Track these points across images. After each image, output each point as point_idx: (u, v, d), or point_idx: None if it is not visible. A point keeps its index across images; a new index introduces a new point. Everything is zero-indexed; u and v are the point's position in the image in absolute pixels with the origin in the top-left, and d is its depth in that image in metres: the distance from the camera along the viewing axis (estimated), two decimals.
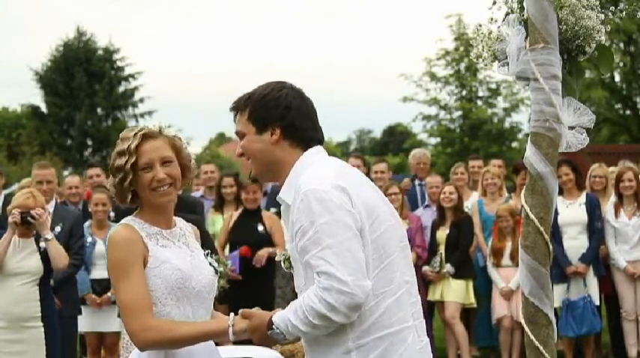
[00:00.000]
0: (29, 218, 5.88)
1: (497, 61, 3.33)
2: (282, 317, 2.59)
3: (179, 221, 3.10)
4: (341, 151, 39.58)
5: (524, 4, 3.25)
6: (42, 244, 6.06)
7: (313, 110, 2.85)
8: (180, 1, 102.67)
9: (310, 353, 2.69)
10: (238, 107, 2.84)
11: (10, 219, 5.87)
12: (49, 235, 5.96)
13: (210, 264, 3.02)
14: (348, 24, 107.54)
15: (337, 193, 2.56)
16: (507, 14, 3.36)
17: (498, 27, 3.33)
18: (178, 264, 2.87)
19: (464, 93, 26.55)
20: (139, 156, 2.87)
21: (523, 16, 3.28)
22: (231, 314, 2.78)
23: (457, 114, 26.46)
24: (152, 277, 2.83)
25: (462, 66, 26.26)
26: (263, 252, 7.31)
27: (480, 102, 26.64)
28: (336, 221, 2.52)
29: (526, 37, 3.20)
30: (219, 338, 2.87)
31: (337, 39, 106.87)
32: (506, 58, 3.24)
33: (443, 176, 10.18)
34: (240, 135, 2.83)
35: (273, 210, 8.22)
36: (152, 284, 2.83)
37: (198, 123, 79.13)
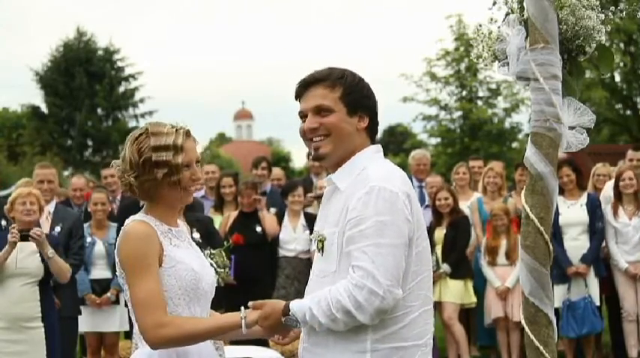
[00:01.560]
0: (29, 237, 5.88)
1: (497, 61, 3.33)
2: (301, 305, 2.58)
3: (179, 220, 3.09)
4: None
5: (525, 4, 3.25)
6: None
7: None
8: (180, 1, 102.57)
9: (318, 346, 2.65)
10: (325, 81, 2.75)
11: (9, 238, 5.86)
12: (50, 252, 5.95)
13: (210, 264, 3.02)
14: (348, 24, 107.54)
15: (404, 198, 2.59)
16: (507, 14, 3.35)
17: (498, 27, 3.33)
18: (192, 265, 2.85)
19: (464, 93, 26.55)
20: (184, 153, 2.84)
21: (523, 16, 3.27)
22: (242, 307, 2.76)
23: (457, 114, 26.47)
24: (166, 277, 2.79)
25: (463, 66, 26.27)
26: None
27: (480, 103, 26.65)
28: (394, 224, 2.54)
29: (526, 37, 3.20)
30: (231, 331, 2.83)
31: (337, 39, 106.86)
32: (507, 58, 3.24)
33: (443, 176, 10.17)
34: (324, 109, 2.73)
35: (273, 210, 8.23)
36: (166, 284, 2.78)
37: (198, 123, 79.00)
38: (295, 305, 2.59)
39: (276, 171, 10.16)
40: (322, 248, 2.70)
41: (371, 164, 2.69)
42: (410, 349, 2.62)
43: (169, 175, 2.81)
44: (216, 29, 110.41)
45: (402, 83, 30.22)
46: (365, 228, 2.54)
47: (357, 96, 2.75)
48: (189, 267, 2.83)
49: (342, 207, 2.64)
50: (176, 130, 2.86)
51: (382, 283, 2.49)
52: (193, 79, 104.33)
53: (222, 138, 59.43)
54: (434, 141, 27.77)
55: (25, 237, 5.87)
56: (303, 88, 2.79)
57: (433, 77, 26.39)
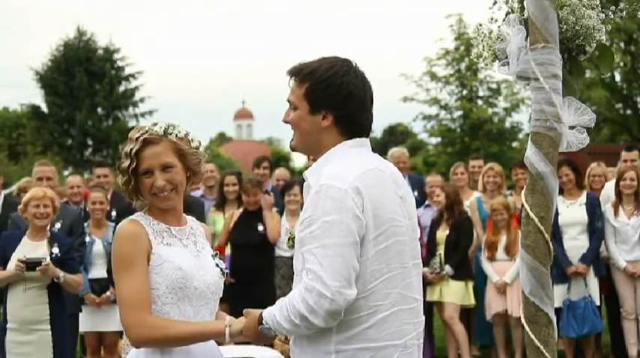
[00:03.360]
0: (36, 268, 5.87)
1: (497, 61, 3.32)
2: (270, 313, 2.59)
3: (191, 220, 3.10)
4: None
5: (525, 3, 3.24)
6: (54, 250, 6.06)
7: (371, 99, 2.78)
8: (180, 1, 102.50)
9: (296, 347, 2.67)
10: (296, 76, 2.74)
11: (15, 269, 5.87)
12: (61, 276, 5.97)
13: (217, 265, 3.01)
14: (348, 23, 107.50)
15: (352, 195, 2.52)
16: (508, 14, 3.35)
17: (499, 26, 3.33)
18: (180, 264, 2.86)
19: (464, 92, 26.55)
20: (139, 162, 2.87)
21: (523, 15, 3.27)
22: (228, 316, 2.78)
23: (458, 114, 26.47)
24: (153, 275, 2.82)
25: (463, 66, 26.27)
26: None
27: (480, 102, 26.65)
28: (341, 223, 2.49)
29: (526, 37, 3.19)
30: (215, 339, 2.86)
31: (337, 38, 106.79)
32: (507, 57, 3.24)
33: (443, 176, 10.17)
34: (292, 106, 2.75)
35: (274, 209, 8.22)
36: (153, 282, 2.82)
37: (198, 123, 79.19)
38: (266, 314, 2.60)
39: (282, 171, 10.16)
40: (292, 245, 2.73)
41: (336, 160, 2.64)
42: (383, 350, 2.57)
43: (127, 183, 2.90)
44: (217, 29, 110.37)
45: (402, 83, 30.25)
46: (313, 229, 2.51)
47: (322, 94, 2.67)
48: (176, 266, 2.84)
49: (304, 207, 2.63)
50: (137, 137, 2.88)
51: (330, 285, 2.44)
52: (194, 78, 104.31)
53: (222, 138, 59.43)
54: (434, 140, 27.78)
55: (31, 268, 5.86)
56: (287, 77, 2.79)
57: (433, 77, 26.39)
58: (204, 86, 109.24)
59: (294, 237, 2.71)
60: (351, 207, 2.50)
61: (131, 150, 2.87)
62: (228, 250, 7.68)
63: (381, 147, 46.59)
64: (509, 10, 3.36)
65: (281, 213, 8.13)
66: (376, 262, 2.56)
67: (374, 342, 2.56)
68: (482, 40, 3.33)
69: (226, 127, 66.41)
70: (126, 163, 2.88)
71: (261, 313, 2.62)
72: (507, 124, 26.48)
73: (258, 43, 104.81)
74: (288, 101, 2.77)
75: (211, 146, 49.14)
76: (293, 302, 2.49)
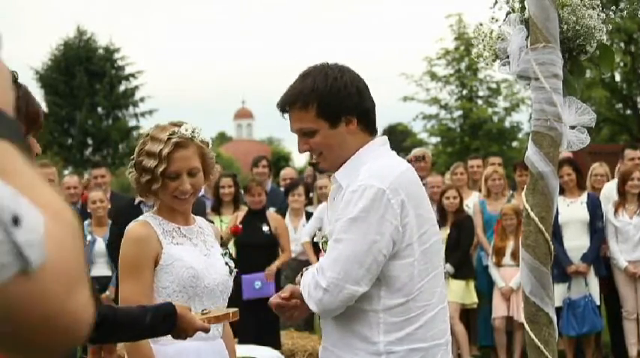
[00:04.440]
0: None
1: (498, 60, 3.33)
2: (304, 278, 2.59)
3: (200, 220, 3.11)
4: None
5: (526, 3, 3.25)
6: None
7: (368, 86, 2.72)
8: (180, 1, 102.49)
9: (335, 343, 2.63)
10: (296, 103, 2.62)
11: None
12: None
13: (226, 263, 3.02)
14: (348, 23, 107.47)
15: (390, 195, 2.47)
16: (508, 14, 3.36)
17: (499, 26, 3.33)
18: (191, 262, 2.87)
19: (464, 92, 26.54)
20: (169, 164, 2.85)
21: (524, 15, 3.28)
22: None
23: (457, 113, 26.47)
24: (164, 274, 2.83)
25: (463, 65, 26.25)
26: (273, 267, 7.21)
27: (480, 102, 26.64)
28: (365, 220, 2.46)
29: (527, 37, 3.20)
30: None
31: (338, 38, 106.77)
32: (508, 57, 3.24)
33: (443, 175, 10.16)
34: (309, 132, 2.62)
35: (272, 209, 8.22)
36: (164, 281, 2.83)
37: (198, 122, 79.00)
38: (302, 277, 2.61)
39: (288, 171, 10.17)
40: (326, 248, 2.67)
41: (371, 160, 2.59)
42: (430, 350, 2.57)
43: (151, 182, 2.87)
44: (217, 28, 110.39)
45: (402, 82, 30.24)
46: (337, 226, 2.51)
47: (335, 104, 2.58)
48: (187, 264, 2.85)
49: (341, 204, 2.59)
50: (168, 138, 2.87)
51: (327, 276, 2.44)
52: (193, 77, 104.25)
53: (222, 138, 59.39)
54: (434, 140, 27.76)
55: None
56: (281, 111, 2.69)
57: (433, 76, 26.37)
58: (204, 86, 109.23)
59: (328, 240, 2.65)
60: (385, 207, 2.47)
61: (161, 151, 2.84)
62: (233, 251, 7.65)
63: None
64: (510, 10, 3.37)
65: (284, 212, 8.11)
66: (422, 261, 2.55)
67: (424, 342, 2.55)
68: (482, 40, 3.34)
69: (226, 127, 66.37)
70: (152, 163, 2.85)
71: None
72: (507, 124, 26.47)
73: (258, 42, 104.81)
74: (298, 130, 2.65)
75: (212, 146, 49.08)
76: (304, 283, 2.53)
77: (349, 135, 2.62)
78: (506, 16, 3.35)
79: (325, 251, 2.66)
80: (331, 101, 2.58)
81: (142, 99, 38.10)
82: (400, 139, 32.37)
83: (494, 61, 3.33)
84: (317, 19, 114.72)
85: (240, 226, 7.28)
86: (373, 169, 2.54)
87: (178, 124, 2.97)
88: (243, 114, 60.37)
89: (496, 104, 26.61)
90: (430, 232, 2.59)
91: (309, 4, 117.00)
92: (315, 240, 2.82)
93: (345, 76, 2.63)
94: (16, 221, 0.83)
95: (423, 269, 2.55)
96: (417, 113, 26.85)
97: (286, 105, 2.67)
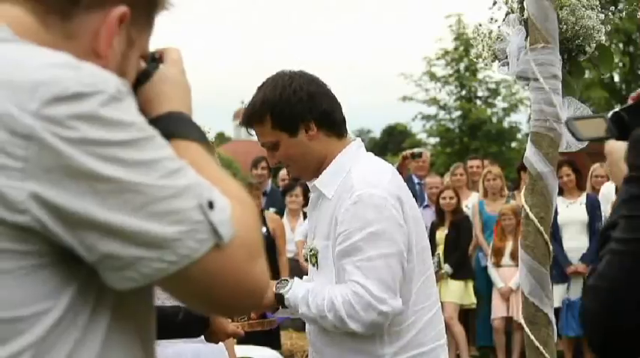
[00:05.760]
0: None
1: (497, 61, 3.33)
2: (295, 295, 2.47)
3: None
4: None
5: (525, 4, 3.25)
6: None
7: (328, 88, 2.62)
8: (174, 2, 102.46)
9: (333, 355, 2.56)
10: (252, 118, 2.57)
11: None
12: None
13: None
14: (347, 23, 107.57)
15: (393, 201, 2.42)
16: (507, 14, 3.36)
17: (499, 27, 3.33)
18: None
19: (463, 93, 26.55)
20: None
21: (523, 15, 3.28)
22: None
23: (456, 114, 26.47)
24: None
25: (462, 66, 26.26)
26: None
27: (479, 102, 26.66)
28: (385, 233, 2.38)
29: (526, 37, 3.20)
30: None
31: (336, 38, 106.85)
32: (507, 57, 3.24)
33: (442, 176, 10.16)
34: (271, 145, 2.57)
35: (272, 209, 8.21)
36: None
37: (197, 122, 79.04)
38: (290, 293, 2.49)
39: (286, 171, 10.13)
40: (316, 262, 2.57)
41: (355, 165, 2.52)
42: (432, 353, 2.54)
43: None
44: (213, 28, 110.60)
45: (402, 82, 30.24)
46: (355, 241, 2.38)
47: (287, 112, 2.50)
48: None
49: (330, 216, 2.49)
50: None
51: (379, 297, 2.35)
52: (191, 76, 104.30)
53: (221, 138, 59.35)
54: (433, 140, 27.76)
55: None
56: (246, 128, 2.64)
57: (432, 77, 26.37)
58: (203, 84, 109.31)
59: (316, 254, 2.57)
60: (393, 215, 2.41)
61: None
62: None
63: (380, 148, 46.63)
64: (509, 10, 3.37)
65: (282, 213, 8.10)
66: (419, 264, 2.51)
67: (424, 346, 2.52)
68: (481, 40, 3.34)
69: (225, 127, 66.36)
70: None
71: (279, 290, 2.51)
72: (506, 124, 26.47)
73: (256, 41, 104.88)
74: (264, 144, 2.60)
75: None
76: (333, 299, 2.39)
77: (312, 142, 2.54)
78: (505, 17, 3.35)
79: (313, 264, 2.59)
80: (283, 110, 2.50)
81: None
82: (399, 140, 32.37)
83: (493, 61, 3.33)
84: (316, 19, 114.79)
85: None
86: (364, 176, 2.47)
87: None
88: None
89: (495, 104, 26.62)
90: (421, 233, 2.56)
91: (306, 5, 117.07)
92: (303, 253, 2.75)
93: (295, 82, 2.54)
94: (211, 205, 1.05)
95: (420, 271, 2.52)
96: (416, 113, 26.86)
97: (245, 122, 2.62)
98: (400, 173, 10.06)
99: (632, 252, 1.31)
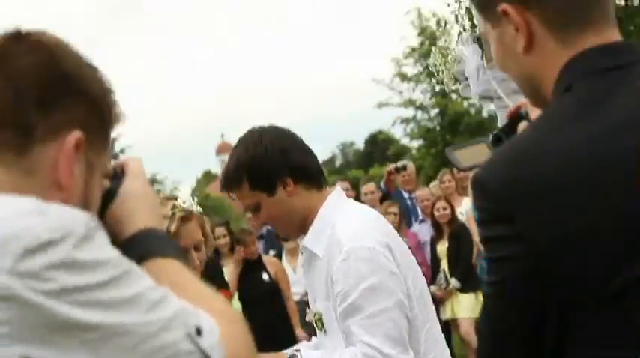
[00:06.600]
0: None
1: (458, 83, 3.33)
2: (308, 354, 2.45)
3: None
4: (327, 170, 39.27)
5: (475, 20, 3.25)
6: None
7: (300, 139, 2.57)
8: (151, 43, 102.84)
9: None
10: (231, 184, 2.54)
11: None
12: None
13: None
14: (314, 38, 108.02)
15: (382, 249, 2.35)
16: (460, 34, 3.36)
17: (453, 49, 3.33)
18: None
19: (437, 89, 26.63)
20: (178, 240, 2.76)
21: (475, 32, 3.27)
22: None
23: (434, 111, 26.52)
24: None
25: (430, 60, 26.34)
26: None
27: (454, 96, 26.72)
28: (381, 285, 2.32)
29: (482, 55, 3.20)
30: None
31: (305, 59, 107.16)
32: (467, 79, 3.24)
33: (430, 181, 10.05)
34: (253, 207, 2.54)
35: (272, 252, 8.09)
36: None
37: (182, 164, 79.21)
38: (304, 353, 2.48)
39: None
40: (322, 326, 2.54)
41: (339, 216, 2.46)
42: None
43: None
44: (191, 65, 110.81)
45: (375, 89, 30.31)
46: (354, 300, 2.32)
47: (261, 172, 2.47)
48: None
49: (325, 276, 2.44)
50: (172, 214, 2.79)
51: (390, 354, 2.29)
52: (169, 122, 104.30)
53: (208, 176, 59.16)
54: (416, 143, 27.79)
55: None
56: (226, 194, 2.61)
57: (404, 77, 26.43)
58: (182, 127, 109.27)
59: (321, 317, 2.53)
60: (385, 265, 2.34)
61: (168, 228, 2.72)
62: (236, 300, 7.50)
63: (365, 158, 46.45)
64: (461, 30, 3.37)
65: (280, 255, 7.98)
66: (420, 308, 2.44)
67: None
68: (440, 65, 3.34)
69: (210, 163, 66.30)
70: None
71: (293, 355, 2.49)
72: (485, 114, 26.53)
73: (229, 70, 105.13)
74: (247, 208, 2.58)
75: (199, 187, 48.93)
76: None
77: (292, 198, 2.49)
78: (459, 37, 3.34)
79: (320, 329, 2.56)
80: (257, 170, 2.47)
81: (122, 151, 38.07)
82: (383, 148, 32.32)
83: (454, 84, 3.33)
84: (280, 42, 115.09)
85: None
86: (350, 228, 2.41)
87: (173, 198, 2.89)
88: (225, 148, 60.08)
89: (470, 96, 26.72)
90: (418, 277, 2.50)
91: (271, 29, 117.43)
92: (307, 319, 2.72)
93: (265, 138, 2.50)
94: (199, 331, 1.06)
95: (423, 319, 2.45)
96: (395, 118, 26.90)
97: (224, 188, 2.59)
98: (388, 188, 9.90)
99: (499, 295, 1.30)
